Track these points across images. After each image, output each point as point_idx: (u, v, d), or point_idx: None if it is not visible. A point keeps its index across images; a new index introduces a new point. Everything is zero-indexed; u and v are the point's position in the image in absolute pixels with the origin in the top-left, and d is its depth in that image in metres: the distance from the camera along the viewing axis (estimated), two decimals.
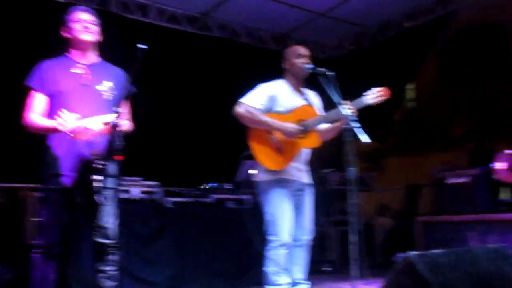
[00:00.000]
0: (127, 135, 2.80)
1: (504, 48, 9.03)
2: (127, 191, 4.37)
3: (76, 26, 2.72)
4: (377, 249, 6.44)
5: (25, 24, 5.09)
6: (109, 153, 2.33)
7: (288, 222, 3.22)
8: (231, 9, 6.24)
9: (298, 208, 3.35)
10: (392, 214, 7.14)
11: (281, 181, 3.24)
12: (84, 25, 2.72)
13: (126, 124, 2.78)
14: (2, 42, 4.95)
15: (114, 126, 2.28)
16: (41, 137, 2.72)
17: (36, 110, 2.65)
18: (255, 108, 3.24)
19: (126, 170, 4.32)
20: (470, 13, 6.37)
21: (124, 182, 4.37)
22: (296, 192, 3.35)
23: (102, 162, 2.41)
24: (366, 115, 3.77)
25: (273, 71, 3.53)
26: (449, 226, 4.47)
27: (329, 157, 5.41)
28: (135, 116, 4.99)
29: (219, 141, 5.74)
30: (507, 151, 4.90)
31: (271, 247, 3.21)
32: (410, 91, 11.19)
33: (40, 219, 2.64)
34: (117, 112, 2.31)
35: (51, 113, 2.65)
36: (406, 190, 6.64)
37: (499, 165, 4.92)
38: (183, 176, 5.38)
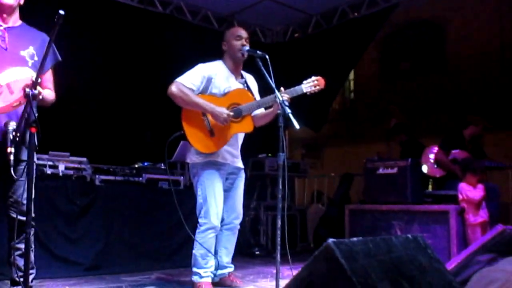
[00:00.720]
0: (49, 106, 2.66)
1: (442, 44, 9.43)
2: (53, 166, 4.16)
3: None
4: (309, 234, 6.58)
5: None
6: (25, 124, 2.19)
7: (218, 206, 3.20)
8: None
9: (229, 192, 3.35)
10: (326, 202, 7.32)
11: (212, 164, 3.21)
12: None
13: (48, 93, 2.62)
14: None
15: (31, 96, 2.12)
16: None
17: None
18: (189, 89, 3.17)
19: (53, 145, 4.17)
20: (411, 8, 6.54)
21: (50, 157, 4.16)
22: (228, 176, 3.34)
23: (17, 134, 2.27)
24: (303, 103, 3.80)
25: (215, 52, 3.47)
26: (376, 215, 4.61)
27: (264, 142, 5.44)
28: (69, 87, 4.80)
29: (155, 119, 5.59)
30: (435, 146, 5.12)
31: (200, 230, 3.20)
32: (349, 82, 11.49)
33: None
34: (35, 81, 2.16)
35: None
36: (340, 178, 6.79)
37: (426, 159, 5.16)
38: (115, 154, 5.21)
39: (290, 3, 6.60)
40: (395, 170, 4.60)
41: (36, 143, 2.46)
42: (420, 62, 9.83)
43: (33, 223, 2.55)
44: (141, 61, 5.91)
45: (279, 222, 2.87)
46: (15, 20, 2.68)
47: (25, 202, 2.42)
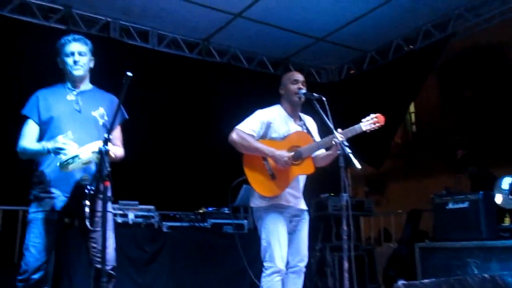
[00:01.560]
0: (119, 161, 2.81)
1: (505, 69, 9.06)
2: (122, 215, 4.35)
3: (68, 60, 2.81)
4: (379, 275, 6.35)
5: (28, 51, 5.16)
6: (98, 178, 2.34)
7: (283, 249, 3.20)
8: (231, 35, 6.32)
9: (293, 234, 3.34)
10: (394, 239, 7.06)
11: (275, 207, 3.22)
12: (74, 59, 2.79)
13: (118, 150, 2.79)
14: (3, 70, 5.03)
15: (103, 152, 2.28)
16: (33, 161, 2.75)
17: (29, 137, 2.72)
18: (249, 135, 3.25)
19: (122, 194, 4.38)
20: (468, 36, 6.39)
21: (120, 206, 4.36)
22: (292, 218, 3.33)
23: (92, 187, 2.42)
24: (362, 140, 3.77)
25: (272, 96, 3.55)
26: (449, 253, 4.40)
27: (327, 182, 5.40)
28: (135, 141, 5.05)
29: (217, 165, 5.73)
30: (508, 176, 4.86)
31: (265, 274, 3.19)
32: (410, 114, 11.24)
33: (27, 242, 2.62)
34: (106, 139, 2.32)
35: (45, 138, 2.71)
36: (407, 215, 6.56)
37: (500, 190, 4.88)
38: (180, 201, 5.37)
39: (343, 42, 6.68)
40: (466, 205, 4.41)
41: (110, 194, 2.65)
42: (483, 88, 9.48)
43: (113, 272, 2.67)
44: (202, 109, 6.15)
45: (346, 264, 2.82)
46: (86, 84, 2.93)
47: (107, 251, 2.56)
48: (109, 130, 2.39)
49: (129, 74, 2.18)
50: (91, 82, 3.00)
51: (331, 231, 6.01)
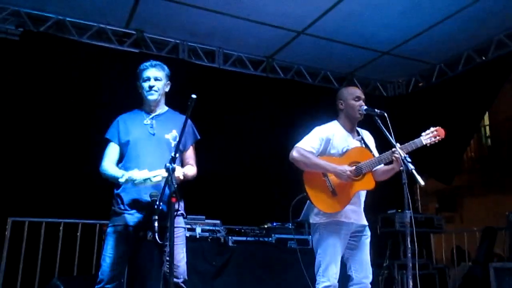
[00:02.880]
0: (193, 179, 2.98)
1: None
2: (190, 229, 4.54)
3: (144, 85, 3.04)
4: None
5: (105, 74, 5.56)
6: (167, 195, 2.50)
7: (337, 266, 3.21)
8: (295, 51, 6.43)
9: (355, 250, 3.33)
10: (469, 259, 6.75)
11: (335, 224, 3.24)
12: (150, 84, 3.00)
13: (189, 169, 2.96)
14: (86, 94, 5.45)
15: (170, 170, 2.44)
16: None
17: (110, 158, 2.97)
18: (309, 152, 3.30)
19: (190, 209, 4.57)
20: None
21: (187, 221, 4.55)
22: (353, 234, 3.33)
23: (161, 203, 2.58)
24: (432, 154, 3.69)
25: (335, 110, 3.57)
26: None
27: (394, 197, 5.30)
28: (202, 157, 5.27)
29: (281, 182, 5.80)
30: None
31: None
32: (485, 128, 10.72)
33: (104, 253, 2.85)
34: (173, 157, 2.48)
35: (124, 159, 2.96)
36: (481, 233, 6.25)
37: None
38: (245, 216, 5.49)
39: (410, 55, 6.57)
40: None
41: (182, 210, 2.87)
42: None
43: (183, 285, 2.82)
44: (267, 126, 6.27)
45: (410, 283, 2.78)
46: (161, 107, 3.14)
47: (178, 265, 2.72)
48: (176, 149, 2.55)
49: (194, 96, 2.33)
50: (167, 104, 3.21)
51: (399, 248, 5.86)
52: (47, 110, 5.29)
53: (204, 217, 4.69)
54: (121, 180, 2.71)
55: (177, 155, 2.56)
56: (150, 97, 3.03)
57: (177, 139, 2.81)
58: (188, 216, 4.58)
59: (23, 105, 5.22)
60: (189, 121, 3.04)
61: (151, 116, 3.06)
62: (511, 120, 9.89)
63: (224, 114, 6.08)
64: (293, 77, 6.84)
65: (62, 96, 5.36)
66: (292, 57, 6.63)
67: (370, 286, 3.35)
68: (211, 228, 4.65)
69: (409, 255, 2.83)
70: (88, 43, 5.70)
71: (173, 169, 2.46)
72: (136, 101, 3.21)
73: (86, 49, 5.62)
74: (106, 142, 3.03)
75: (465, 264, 6.72)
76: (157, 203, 2.58)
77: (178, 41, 6.15)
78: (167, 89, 3.15)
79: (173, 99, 3.29)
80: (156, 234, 2.58)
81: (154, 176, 2.60)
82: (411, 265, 2.80)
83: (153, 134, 2.98)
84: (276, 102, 6.45)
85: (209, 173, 5.57)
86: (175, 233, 2.63)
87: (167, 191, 2.53)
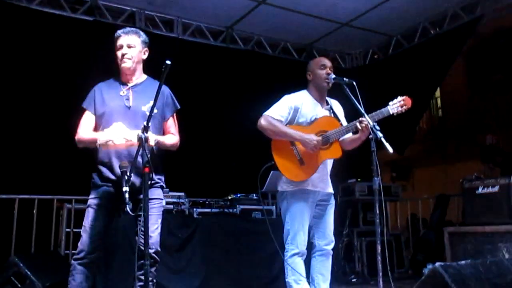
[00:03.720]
0: (175, 149, 2.91)
1: None
2: None
3: (118, 54, 2.90)
4: (406, 260, 6.35)
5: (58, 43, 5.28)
6: (139, 165, 2.42)
7: (306, 233, 3.25)
8: (255, 22, 6.33)
9: (320, 218, 3.37)
10: (422, 225, 7.04)
11: (302, 192, 3.26)
12: (122, 52, 2.86)
13: (169, 138, 2.90)
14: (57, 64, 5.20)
15: (143, 139, 2.36)
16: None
17: (87, 127, 2.87)
18: (277, 120, 3.28)
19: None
20: (497, 18, 6.26)
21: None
22: (319, 203, 3.37)
23: (130, 174, 2.50)
24: (385, 124, 3.75)
25: (297, 82, 3.57)
26: (479, 238, 4.37)
27: (354, 167, 5.41)
28: None
29: (246, 152, 5.79)
30: None
31: (287, 256, 3.25)
32: (436, 99, 11.08)
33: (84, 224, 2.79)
34: (145, 126, 2.40)
35: (99, 130, 2.85)
36: (435, 200, 6.52)
37: None
38: (209, 187, 5.45)
39: (368, 27, 6.62)
40: (496, 189, 4.37)
41: (162, 183, 2.96)
42: None
43: (156, 256, 2.77)
44: (229, 97, 6.20)
45: (379, 248, 2.84)
46: (138, 76, 2.99)
47: (151, 235, 2.70)
48: (149, 118, 2.45)
49: (168, 62, 2.24)
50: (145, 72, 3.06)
51: (359, 216, 6.03)
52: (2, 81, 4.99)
53: (168, 189, 4.60)
54: (100, 139, 2.66)
55: (150, 124, 2.45)
56: (124, 65, 2.89)
57: (155, 110, 2.71)
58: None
59: None
60: (168, 90, 3.03)
61: (127, 87, 2.93)
62: (461, 92, 10.27)
63: (184, 85, 5.93)
64: (254, 48, 6.77)
65: (10, 67, 5.05)
66: (252, 28, 6.54)
67: (332, 252, 3.42)
68: (175, 200, 4.59)
69: (377, 221, 2.87)
70: (38, 9, 5.38)
71: (146, 139, 2.36)
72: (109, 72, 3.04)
73: (36, 16, 5.32)
74: (82, 111, 2.91)
75: (416, 230, 7.01)
76: (127, 174, 2.49)
77: (134, 9, 5.91)
78: (144, 57, 2.99)
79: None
80: (128, 206, 2.50)
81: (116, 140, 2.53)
82: (379, 230, 2.85)
83: (129, 107, 2.86)
84: (237, 73, 6.37)
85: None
86: (150, 204, 2.59)
87: (139, 161, 2.44)
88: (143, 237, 2.43)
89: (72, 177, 4.76)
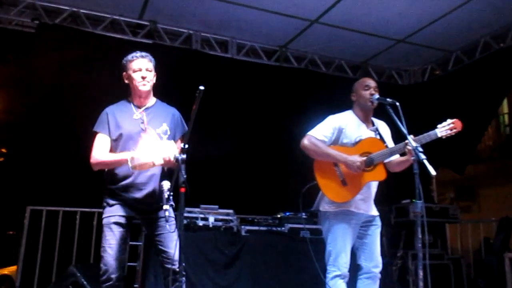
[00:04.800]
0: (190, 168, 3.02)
1: None
2: (203, 219, 4.59)
3: (135, 76, 2.98)
4: (467, 284, 6.06)
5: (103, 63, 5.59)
6: (175, 185, 2.53)
7: (348, 255, 3.23)
8: (308, 41, 6.39)
9: (365, 239, 3.34)
10: (484, 248, 6.68)
11: (345, 213, 3.25)
12: (142, 75, 2.97)
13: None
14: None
15: (180, 161, 2.47)
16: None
17: (103, 149, 2.94)
18: (320, 141, 3.30)
19: (203, 199, 4.63)
20: None
21: (201, 210, 4.60)
22: (363, 224, 3.34)
23: (169, 193, 2.63)
24: (445, 143, 3.65)
25: (350, 100, 3.57)
26: None
27: (408, 187, 5.27)
28: (216, 147, 5.31)
29: (294, 171, 5.81)
30: None
31: (329, 278, 3.24)
32: (504, 116, 10.52)
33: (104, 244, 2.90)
34: (183, 148, 2.51)
35: (116, 153, 2.94)
36: (498, 223, 6.19)
37: None
38: (259, 205, 5.54)
39: (426, 43, 6.47)
40: None
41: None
42: None
43: (180, 270, 2.87)
44: (280, 115, 6.27)
45: (420, 273, 2.79)
46: (150, 99, 3.10)
47: (173, 251, 2.78)
48: (183, 141, 2.58)
49: (201, 87, 2.33)
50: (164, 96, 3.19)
51: (413, 238, 5.81)
52: (65, 101, 5.37)
53: (217, 206, 4.74)
54: (137, 160, 2.68)
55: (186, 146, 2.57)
56: (143, 88, 2.97)
57: (168, 132, 2.88)
58: (201, 206, 4.66)
59: (41, 97, 5.32)
60: (178, 112, 3.11)
61: (140, 110, 3.02)
62: None
63: (238, 104, 6.10)
64: (307, 66, 6.81)
65: (78, 87, 5.43)
66: (305, 46, 6.59)
67: (379, 275, 3.36)
68: (224, 217, 4.70)
69: (419, 245, 2.83)
70: (102, 34, 5.76)
71: (183, 160, 2.48)
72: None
73: (100, 40, 5.68)
74: (95, 134, 2.98)
75: (478, 253, 6.68)
76: (168, 193, 2.62)
77: (191, 32, 6.17)
78: (154, 80, 3.09)
79: (186, 90, 3.28)
80: (167, 224, 2.63)
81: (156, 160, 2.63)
82: (421, 255, 2.80)
83: (144, 130, 2.95)
84: (290, 91, 6.43)
85: (222, 164, 5.68)
86: (169, 222, 2.71)
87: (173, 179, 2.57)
88: (166, 255, 2.54)
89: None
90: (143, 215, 2.93)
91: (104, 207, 2.95)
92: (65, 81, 5.41)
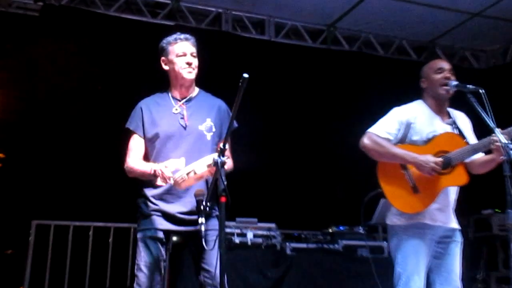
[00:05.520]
0: (228, 175, 3.00)
1: None
2: (240, 234, 4.60)
3: (178, 61, 2.98)
4: None
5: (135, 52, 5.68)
6: (214, 194, 2.54)
7: (422, 278, 3.16)
8: (362, 18, 6.35)
9: (442, 259, 3.26)
10: None
11: (417, 227, 3.18)
12: (187, 61, 2.97)
13: (227, 162, 2.96)
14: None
15: (219, 164, 2.47)
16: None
17: (137, 154, 2.96)
18: (384, 139, 3.25)
19: (239, 211, 4.64)
20: None
21: (237, 224, 4.61)
22: (440, 240, 3.27)
23: (207, 204, 2.63)
24: None
25: (415, 89, 3.50)
26: None
27: (491, 194, 5.16)
28: (253, 149, 5.30)
29: (349, 176, 5.78)
30: None
31: None
32: None
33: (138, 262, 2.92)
34: (222, 149, 2.50)
35: (152, 157, 2.95)
36: None
37: None
38: (306, 218, 5.51)
39: (508, 16, 6.32)
40: None
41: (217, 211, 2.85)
42: None
43: None
44: (329, 109, 6.26)
45: None
46: (193, 90, 3.10)
47: (214, 271, 2.78)
48: (225, 140, 2.54)
49: (246, 75, 2.31)
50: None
51: (497, 257, 5.71)
52: (73, 97, 5.48)
53: (256, 219, 4.74)
54: (156, 167, 2.70)
55: (226, 146, 2.56)
56: (188, 76, 2.97)
57: (213, 129, 2.89)
58: (237, 219, 4.66)
59: (45, 92, 5.45)
60: (225, 105, 3.07)
61: (180, 103, 3.02)
62: None
63: (278, 96, 6.09)
64: (361, 48, 6.76)
65: (88, 79, 5.53)
66: (358, 24, 6.56)
67: None
68: (265, 233, 4.69)
69: None
70: (116, 16, 5.86)
71: (223, 163, 2.47)
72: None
73: (113, 23, 5.78)
74: (129, 133, 3.00)
75: None
76: (203, 204, 2.63)
77: (220, 10, 6.22)
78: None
79: (215, 80, 3.29)
80: (203, 239, 2.64)
81: (197, 169, 2.62)
82: None
83: (185, 127, 2.95)
84: (340, 80, 6.40)
85: (260, 168, 5.68)
86: (209, 236, 2.75)
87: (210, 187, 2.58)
88: (208, 275, 2.63)
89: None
90: (183, 227, 2.94)
91: (138, 218, 2.98)
92: (74, 72, 5.52)
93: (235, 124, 3.03)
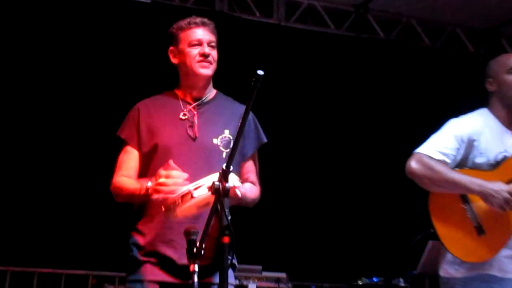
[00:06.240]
0: (252, 206, 3.00)
1: None
2: (239, 287, 4.60)
3: (190, 52, 2.96)
4: None
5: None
6: (214, 232, 2.52)
7: None
8: None
9: None
10: None
11: (482, 279, 3.20)
12: (204, 52, 2.94)
13: (250, 189, 2.94)
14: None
15: (220, 192, 2.41)
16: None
17: (127, 170, 2.93)
18: (439, 162, 3.26)
19: (239, 255, 4.63)
20: None
21: (236, 273, 4.60)
22: None
23: (202, 245, 2.62)
24: None
25: (474, 92, 3.53)
26: None
27: None
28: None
29: (383, 211, 5.80)
30: None
31: None
32: None
33: None
34: (225, 171, 2.43)
35: (148, 173, 2.86)
36: None
37: None
38: (325, 266, 5.52)
39: None
40: None
41: (234, 259, 2.79)
42: None
43: None
44: (360, 117, 6.30)
45: None
46: (209, 90, 3.08)
47: None
48: (230, 159, 2.43)
49: (260, 72, 2.27)
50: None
51: None
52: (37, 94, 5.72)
53: (260, 267, 4.75)
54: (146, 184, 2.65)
55: (232, 167, 2.48)
56: (204, 72, 2.95)
57: (231, 145, 2.77)
58: (238, 266, 4.65)
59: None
60: (252, 115, 3.03)
61: (191, 106, 3.00)
62: None
63: (289, 97, 6.13)
64: (400, 37, 6.81)
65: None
66: (397, 6, 6.63)
67: None
68: (272, 285, 4.70)
69: None
70: None
71: (226, 191, 2.41)
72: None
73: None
74: (120, 143, 2.99)
75: None
76: (197, 245, 2.60)
77: None
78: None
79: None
80: None
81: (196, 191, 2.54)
82: None
83: (194, 139, 2.95)
84: (373, 77, 6.48)
85: (267, 200, 5.65)
86: None
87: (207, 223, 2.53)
88: None
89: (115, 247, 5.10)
90: (186, 280, 2.90)
91: (127, 264, 2.92)
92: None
93: (263, 139, 3.07)
